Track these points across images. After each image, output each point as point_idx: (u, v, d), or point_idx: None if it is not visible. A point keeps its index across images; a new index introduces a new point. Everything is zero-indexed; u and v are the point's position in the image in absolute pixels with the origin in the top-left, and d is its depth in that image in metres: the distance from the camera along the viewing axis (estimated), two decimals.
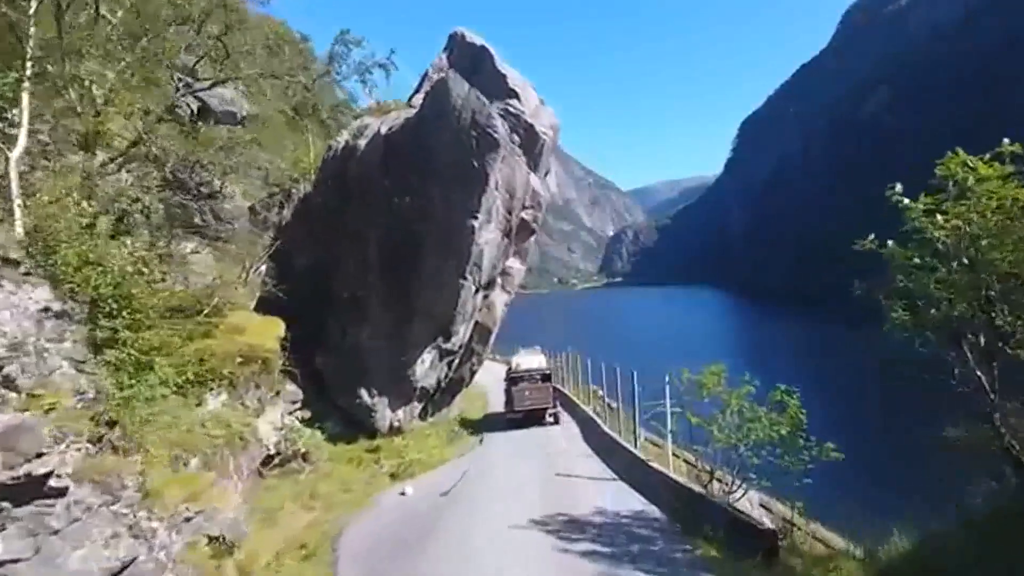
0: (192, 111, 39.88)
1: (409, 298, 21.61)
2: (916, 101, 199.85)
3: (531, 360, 27.34)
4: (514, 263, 25.80)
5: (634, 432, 18.96)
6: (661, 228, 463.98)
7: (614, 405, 21.69)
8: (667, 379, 16.69)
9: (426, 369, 22.75)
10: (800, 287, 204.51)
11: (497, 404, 29.66)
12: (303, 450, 19.97)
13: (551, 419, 25.99)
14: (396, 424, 23.39)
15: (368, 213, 22.03)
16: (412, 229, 21.04)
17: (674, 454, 31.75)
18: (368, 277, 22.14)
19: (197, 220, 26.57)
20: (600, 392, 28.23)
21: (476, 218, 20.15)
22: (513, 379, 26.01)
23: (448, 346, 22.93)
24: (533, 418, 25.56)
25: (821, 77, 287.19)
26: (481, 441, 25.21)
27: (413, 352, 22.21)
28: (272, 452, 19.99)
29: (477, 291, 21.98)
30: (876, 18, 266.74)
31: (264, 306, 25.69)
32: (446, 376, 25.38)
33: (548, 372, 26.45)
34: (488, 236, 20.73)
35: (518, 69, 26.24)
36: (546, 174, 30.16)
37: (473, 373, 26.91)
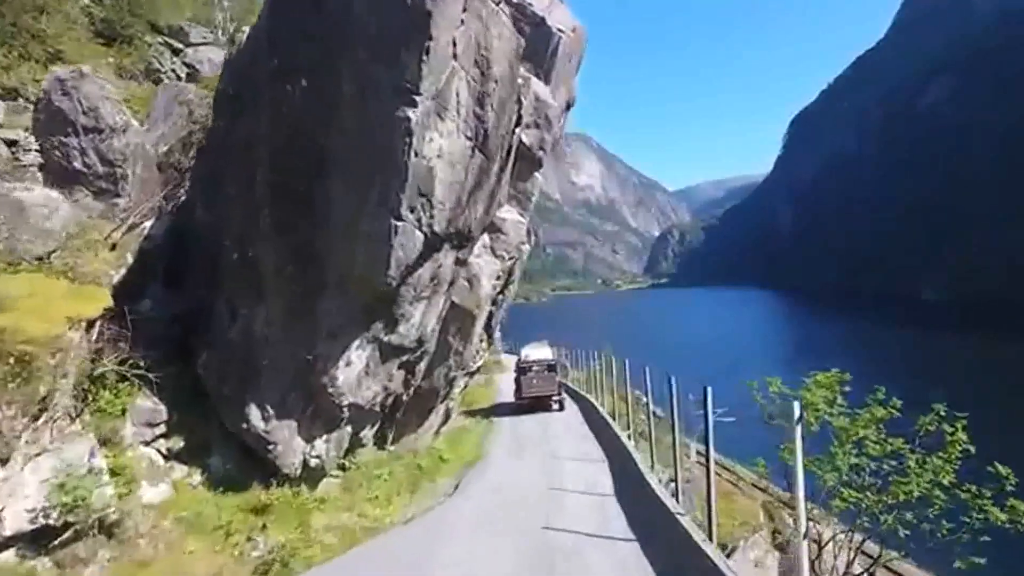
0: (179, 77, 32.15)
1: (314, 255, 12.46)
2: (982, 91, 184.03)
3: (539, 352, 28.20)
4: (509, 213, 16.44)
5: (709, 512, 9.24)
6: (708, 228, 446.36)
7: (660, 413, 17.82)
8: (798, 412, 7.17)
9: (357, 375, 13.53)
10: (853, 288, 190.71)
11: (508, 396, 29.32)
12: (113, 516, 11.14)
13: (556, 406, 26.69)
14: (315, 463, 14.25)
15: (255, 121, 12.99)
16: (311, 136, 11.86)
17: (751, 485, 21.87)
18: (259, 224, 13.08)
19: (78, 163, 18.45)
20: (643, 399, 22.89)
21: (414, 104, 10.82)
22: (522, 369, 27.23)
23: (394, 339, 13.67)
24: (540, 404, 26.33)
25: (878, 69, 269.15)
26: (456, 488, 15.92)
27: (330, 347, 13.04)
28: (55, 523, 11.17)
29: (436, 246, 12.67)
30: (939, 3, 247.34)
31: (140, 277, 17.04)
32: (406, 385, 16.18)
33: (554, 363, 27.39)
34: (442, 143, 11.35)
35: None
36: (569, 106, 20.98)
37: (452, 381, 17.56)
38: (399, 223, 11.33)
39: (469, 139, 11.91)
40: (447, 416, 22.97)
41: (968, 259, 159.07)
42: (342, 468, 16.30)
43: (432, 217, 11.66)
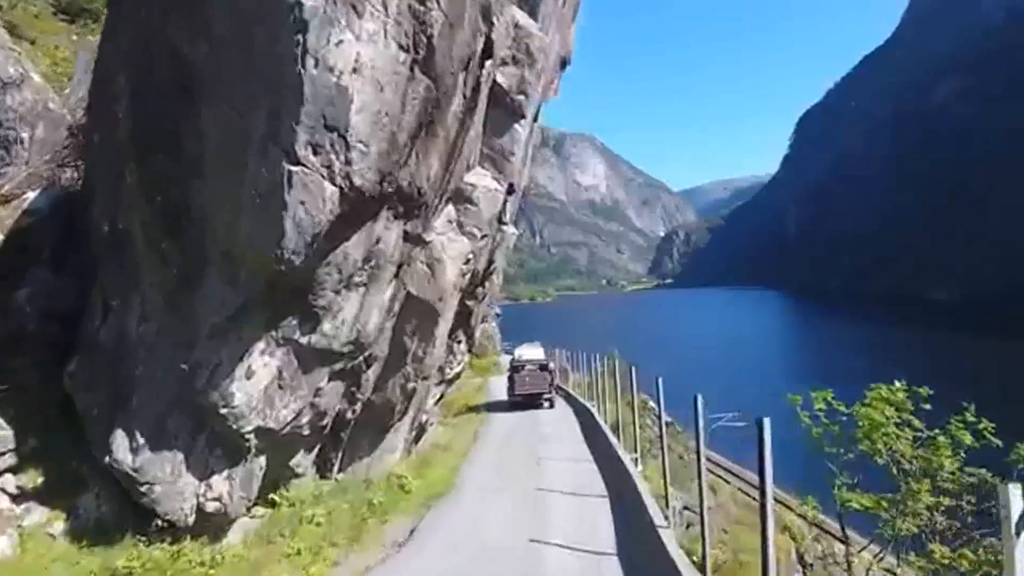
0: None
1: (191, 222, 8.71)
2: (991, 90, 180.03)
3: (532, 352, 29.05)
4: (482, 177, 12.64)
5: None
6: (713, 229, 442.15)
7: (670, 420, 17.00)
8: (1018, 506, 3.32)
9: (264, 390, 9.76)
10: (861, 289, 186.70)
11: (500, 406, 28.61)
12: None
13: (547, 404, 27.50)
14: (214, 507, 10.50)
15: (116, 42, 9.26)
16: (174, 49, 8.13)
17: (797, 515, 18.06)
18: (126, 179, 9.35)
19: None
20: (651, 403, 21.68)
21: None
22: (516, 367, 27.99)
23: (317, 341, 9.91)
24: (531, 401, 27.11)
25: (886, 67, 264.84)
26: (412, 533, 12.13)
27: (217, 351, 9.28)
28: None
29: (366, 210, 8.92)
30: (947, 2, 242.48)
31: (18, 260, 13.36)
32: (350, 401, 12.46)
33: (545, 363, 28.32)
34: (359, 51, 7.60)
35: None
36: (565, 63, 17.66)
37: (411, 394, 13.74)
38: (295, 169, 7.53)
39: (404, 49, 8.11)
40: (420, 432, 19.25)
41: (978, 259, 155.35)
42: (271, 504, 12.61)
43: (350, 163, 7.87)
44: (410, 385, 13.24)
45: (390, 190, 9.12)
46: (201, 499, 10.36)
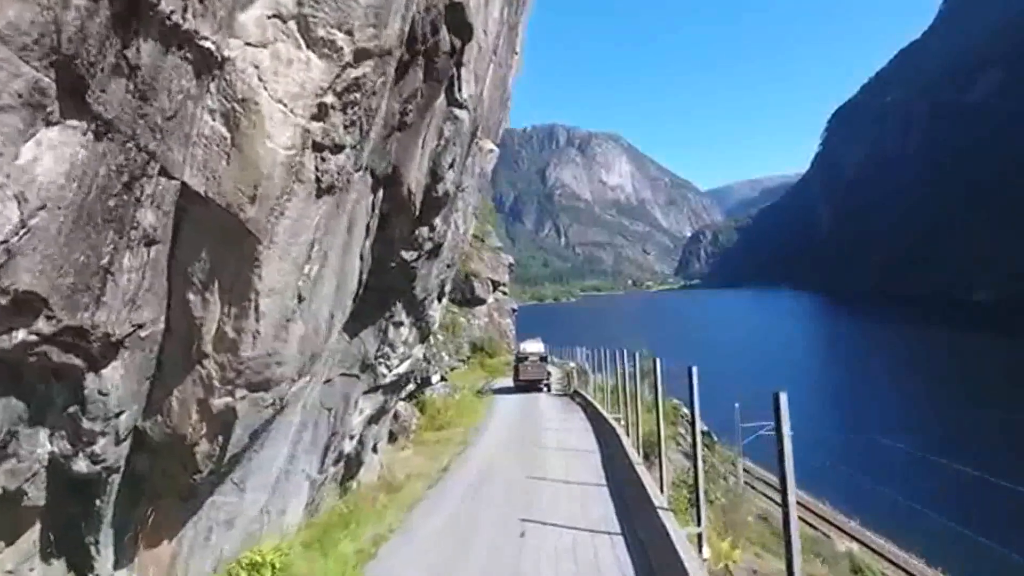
0: None
1: None
2: None
3: (533, 347, 33.70)
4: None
5: None
6: (741, 228, 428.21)
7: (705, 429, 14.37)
8: None
9: None
10: (895, 289, 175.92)
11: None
12: None
13: (544, 388, 32.15)
14: None
15: None
16: None
17: None
18: None
19: None
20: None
21: None
22: (520, 359, 33.27)
23: None
24: (533, 386, 31.52)
25: (923, 61, 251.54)
26: None
27: None
28: None
29: None
30: None
31: None
32: (71, 437, 5.25)
33: (544, 355, 33.71)
34: None
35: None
36: None
37: (226, 418, 6.32)
38: None
39: None
40: (354, 466, 12.15)
41: (1020, 259, 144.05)
42: None
43: None
44: (217, 401, 5.89)
45: None
46: None
